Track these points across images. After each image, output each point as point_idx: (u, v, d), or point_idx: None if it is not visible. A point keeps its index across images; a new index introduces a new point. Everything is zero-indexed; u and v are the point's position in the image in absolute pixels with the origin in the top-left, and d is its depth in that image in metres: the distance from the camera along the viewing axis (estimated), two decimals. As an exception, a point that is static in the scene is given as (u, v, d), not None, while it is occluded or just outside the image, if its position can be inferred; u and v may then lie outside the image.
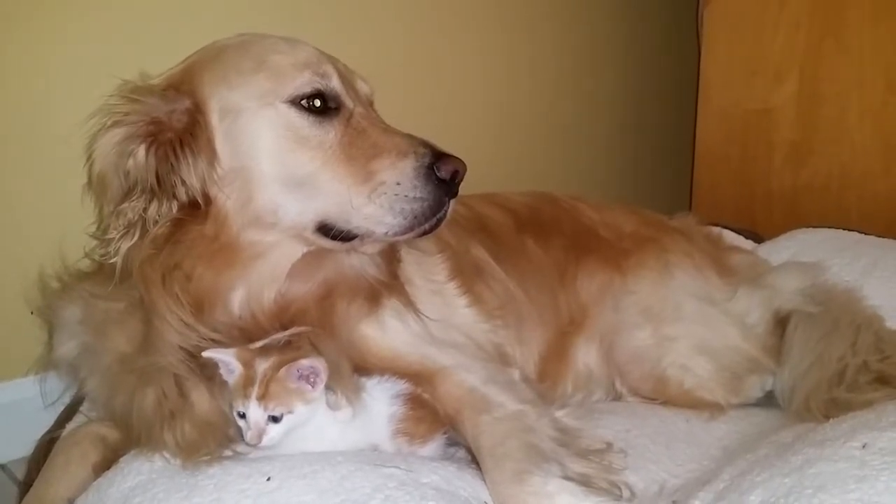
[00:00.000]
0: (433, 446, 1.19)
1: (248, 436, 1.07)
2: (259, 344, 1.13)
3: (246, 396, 1.06)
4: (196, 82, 1.19)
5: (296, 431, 1.10)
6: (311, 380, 1.08)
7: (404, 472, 1.07)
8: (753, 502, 1.05)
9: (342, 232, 1.17)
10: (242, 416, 1.07)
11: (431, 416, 1.19)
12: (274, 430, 1.07)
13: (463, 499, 1.06)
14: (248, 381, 1.07)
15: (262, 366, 1.07)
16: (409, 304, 1.30)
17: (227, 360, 1.09)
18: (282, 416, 1.06)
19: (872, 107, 2.30)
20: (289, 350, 1.11)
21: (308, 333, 1.17)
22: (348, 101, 1.22)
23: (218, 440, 1.13)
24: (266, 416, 1.06)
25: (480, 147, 2.38)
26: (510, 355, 1.47)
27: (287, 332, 1.14)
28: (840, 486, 1.01)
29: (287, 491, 1.02)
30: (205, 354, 1.10)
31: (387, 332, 1.26)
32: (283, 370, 1.06)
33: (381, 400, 1.17)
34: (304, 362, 1.07)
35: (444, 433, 1.20)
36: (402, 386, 1.19)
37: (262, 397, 1.05)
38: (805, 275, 1.72)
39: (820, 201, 2.42)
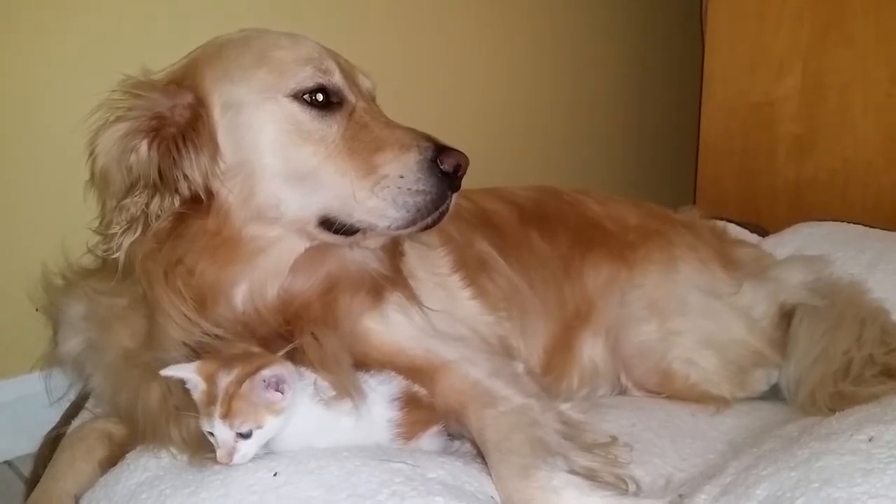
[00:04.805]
0: (425, 439, 1.19)
1: (218, 455, 1.03)
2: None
3: (210, 415, 1.02)
4: (198, 77, 1.19)
5: (304, 430, 1.09)
6: (279, 388, 1.04)
7: (411, 468, 1.07)
8: (760, 496, 1.05)
9: (345, 226, 1.17)
10: (212, 434, 1.04)
11: (427, 416, 1.19)
12: (245, 447, 1.03)
13: (469, 493, 1.06)
14: (210, 399, 1.02)
15: (224, 380, 1.02)
16: (413, 297, 1.30)
17: (187, 376, 1.05)
18: (250, 431, 1.03)
19: (876, 99, 2.29)
20: (252, 359, 1.05)
21: (310, 333, 1.16)
22: (350, 96, 1.21)
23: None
24: (234, 434, 1.02)
25: (482, 141, 2.38)
26: (515, 348, 1.47)
27: (284, 350, 1.12)
28: (847, 479, 1.00)
29: (294, 486, 1.02)
30: (162, 373, 1.06)
31: (390, 325, 1.26)
32: (245, 385, 1.00)
33: (381, 404, 1.16)
34: (266, 372, 1.02)
35: (438, 425, 1.20)
36: (400, 387, 1.18)
37: (226, 415, 1.01)
38: (810, 268, 1.72)
39: (824, 194, 2.41)
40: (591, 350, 1.60)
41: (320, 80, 1.18)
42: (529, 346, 1.52)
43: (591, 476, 1.07)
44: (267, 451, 1.09)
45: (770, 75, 2.46)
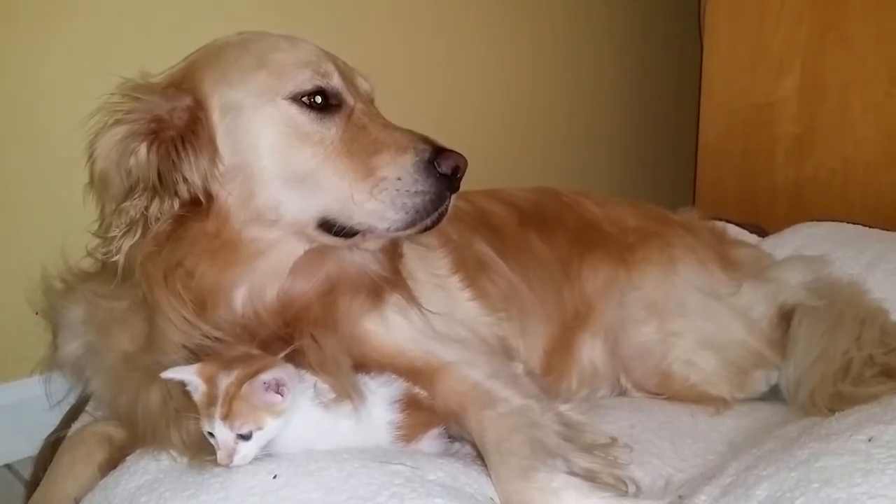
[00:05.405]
0: (425, 442, 1.19)
1: (219, 457, 1.03)
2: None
3: (210, 416, 1.02)
4: (197, 80, 1.19)
5: (304, 432, 1.09)
6: (279, 390, 1.04)
7: (410, 470, 1.07)
8: (759, 497, 1.05)
9: (344, 228, 1.17)
10: (213, 435, 1.04)
11: (427, 418, 1.19)
12: (245, 448, 1.03)
13: (468, 495, 1.06)
14: (210, 400, 1.02)
15: (224, 382, 1.02)
16: (412, 299, 1.30)
17: (188, 378, 1.05)
18: (251, 433, 1.03)
19: (875, 99, 2.29)
20: (253, 361, 1.06)
21: (309, 335, 1.16)
22: (349, 98, 1.22)
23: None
24: (234, 435, 1.02)
25: (482, 143, 2.39)
26: (514, 348, 1.47)
27: (284, 352, 1.12)
28: (846, 479, 1.00)
29: (293, 488, 1.02)
30: (163, 375, 1.06)
31: (390, 327, 1.26)
32: (245, 387, 1.01)
33: (381, 406, 1.16)
34: (265, 376, 1.02)
35: (438, 427, 1.20)
36: (400, 389, 1.18)
37: (227, 416, 1.01)
38: (809, 268, 1.72)
39: (823, 195, 2.41)
40: (591, 351, 1.61)
41: (319, 82, 1.18)
42: (529, 346, 1.52)
43: (590, 477, 1.07)
44: (266, 453, 1.09)
45: (769, 76, 2.46)
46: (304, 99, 1.17)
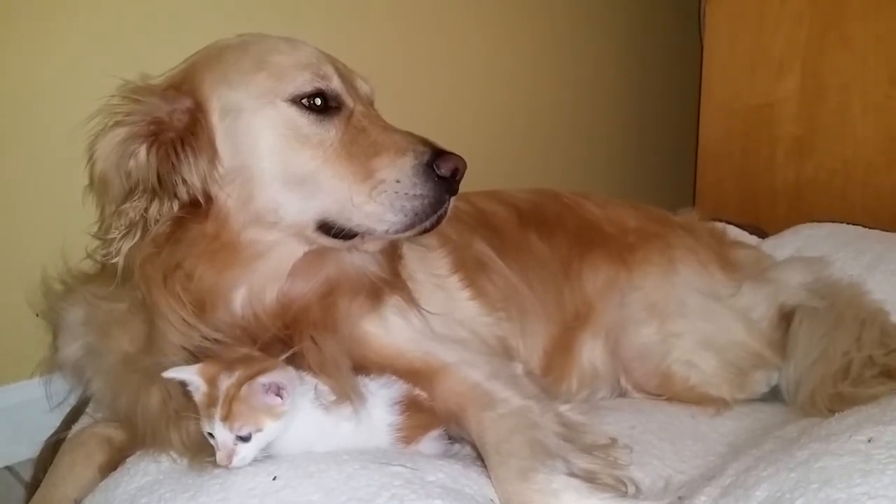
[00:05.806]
0: (425, 443, 1.19)
1: (218, 457, 1.03)
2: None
3: (210, 417, 1.02)
4: (197, 82, 1.19)
5: (305, 434, 1.09)
6: (279, 392, 1.04)
7: (410, 471, 1.07)
8: (759, 497, 1.05)
9: (343, 230, 1.17)
10: (213, 435, 1.04)
11: (427, 420, 1.19)
12: (244, 450, 1.03)
13: (468, 496, 1.06)
14: (211, 401, 1.03)
15: (225, 383, 1.02)
16: (412, 300, 1.30)
17: (189, 378, 1.05)
18: (250, 434, 1.03)
19: (875, 100, 2.29)
20: (254, 363, 1.06)
21: (309, 337, 1.16)
22: (348, 101, 1.22)
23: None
24: (233, 437, 1.02)
25: (482, 143, 2.39)
26: (514, 348, 1.47)
27: (285, 355, 1.12)
28: (846, 480, 1.00)
29: (293, 490, 1.02)
30: (164, 375, 1.07)
31: (389, 329, 1.26)
32: (244, 388, 1.01)
33: (381, 408, 1.16)
34: (264, 378, 1.02)
35: (438, 429, 1.20)
36: (400, 390, 1.18)
37: (226, 417, 1.01)
38: (809, 269, 1.72)
39: (823, 196, 2.41)
40: (591, 352, 1.60)
41: (318, 84, 1.18)
42: (529, 346, 1.52)
43: (590, 478, 1.08)
44: (267, 454, 1.09)
45: (769, 76, 2.46)
46: (304, 101, 1.17)
